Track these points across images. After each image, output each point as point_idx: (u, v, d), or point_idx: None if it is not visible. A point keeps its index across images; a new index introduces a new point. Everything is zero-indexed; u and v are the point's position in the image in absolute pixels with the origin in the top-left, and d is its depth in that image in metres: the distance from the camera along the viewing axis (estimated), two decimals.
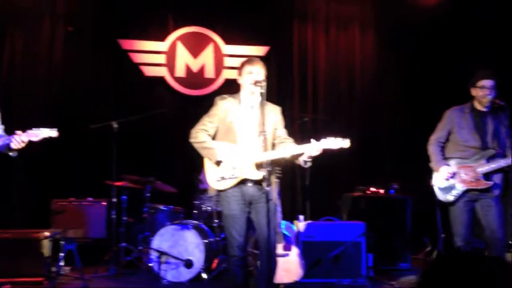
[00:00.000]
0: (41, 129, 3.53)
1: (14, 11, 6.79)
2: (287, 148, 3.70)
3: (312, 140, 3.58)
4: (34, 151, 6.26)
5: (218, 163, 3.67)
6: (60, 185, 6.56)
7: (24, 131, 3.51)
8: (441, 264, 1.49)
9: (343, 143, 3.56)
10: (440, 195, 4.32)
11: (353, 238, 5.15)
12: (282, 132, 3.89)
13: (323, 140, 3.55)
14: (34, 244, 5.11)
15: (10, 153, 3.58)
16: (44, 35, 6.87)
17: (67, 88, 6.91)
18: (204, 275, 5.20)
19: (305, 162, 3.69)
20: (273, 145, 3.84)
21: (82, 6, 6.99)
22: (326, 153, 3.64)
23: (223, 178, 3.67)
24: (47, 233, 5.20)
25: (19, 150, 3.58)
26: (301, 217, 5.39)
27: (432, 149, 4.42)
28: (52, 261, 5.20)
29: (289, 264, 4.80)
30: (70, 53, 6.93)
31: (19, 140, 3.46)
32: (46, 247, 5.15)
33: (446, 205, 4.33)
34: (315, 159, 3.70)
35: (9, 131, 3.70)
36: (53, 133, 3.56)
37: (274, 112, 3.87)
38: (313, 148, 3.55)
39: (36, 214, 6.37)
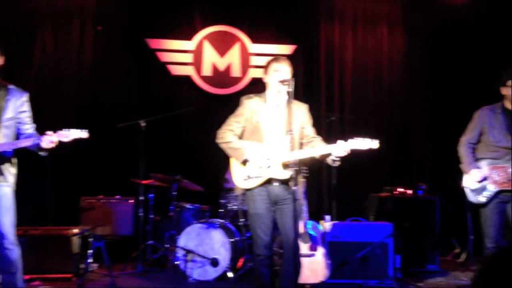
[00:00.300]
0: (72, 130, 3.56)
1: (44, 11, 6.90)
2: (315, 148, 3.67)
3: (339, 140, 3.54)
4: (64, 150, 6.42)
5: (244, 162, 3.67)
6: (89, 183, 6.66)
7: (54, 131, 3.55)
8: (500, 258, 1.45)
9: (372, 144, 3.51)
10: (471, 197, 4.23)
11: (381, 239, 5.09)
12: (310, 130, 3.86)
13: (350, 141, 3.51)
14: (63, 241, 5.22)
15: (40, 153, 3.63)
16: (73, 35, 6.97)
17: (95, 87, 7.00)
18: (230, 274, 5.22)
19: (334, 161, 3.66)
20: (301, 144, 3.81)
21: (110, 6, 7.07)
22: (354, 152, 3.61)
23: (249, 177, 3.66)
24: (76, 230, 5.29)
25: (49, 150, 3.62)
26: (327, 217, 5.36)
27: (463, 150, 4.33)
28: (80, 258, 5.30)
29: (315, 264, 4.77)
30: (99, 52, 7.03)
31: (49, 140, 3.51)
32: (75, 244, 5.25)
33: (477, 206, 4.24)
34: (343, 159, 3.67)
35: (40, 131, 3.77)
36: (83, 134, 3.59)
37: (301, 111, 3.84)
38: (341, 148, 3.51)
39: (65, 211, 6.48)
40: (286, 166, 3.61)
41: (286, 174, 3.60)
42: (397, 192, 6.00)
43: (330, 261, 4.85)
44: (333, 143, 3.63)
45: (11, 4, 6.79)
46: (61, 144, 3.60)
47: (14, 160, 3.73)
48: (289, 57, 4.10)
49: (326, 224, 5.21)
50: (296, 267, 3.57)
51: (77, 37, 6.98)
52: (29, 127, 3.75)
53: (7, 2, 6.78)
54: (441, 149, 7.26)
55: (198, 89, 7.25)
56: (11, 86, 3.72)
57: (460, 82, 7.20)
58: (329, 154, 3.62)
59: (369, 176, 7.05)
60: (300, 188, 3.71)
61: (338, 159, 3.62)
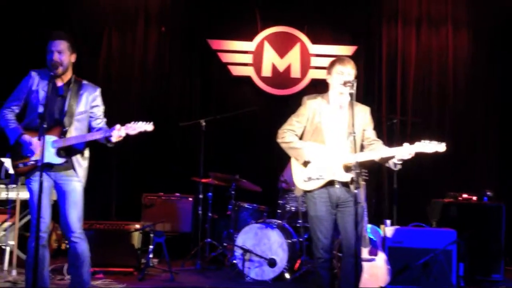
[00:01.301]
0: (138, 123, 3.67)
1: (110, 12, 7.14)
2: (378, 151, 3.60)
3: (405, 143, 3.45)
4: (127, 148, 6.61)
5: (305, 163, 3.64)
6: (151, 180, 6.82)
7: (122, 124, 3.66)
8: None
9: (439, 147, 3.41)
10: None
11: (444, 245, 4.93)
12: (371, 133, 3.79)
13: (417, 144, 3.42)
14: (126, 235, 5.36)
15: (108, 144, 3.76)
16: (138, 35, 7.17)
17: (158, 87, 7.17)
18: (287, 275, 5.20)
19: (395, 164, 3.58)
20: (362, 146, 3.75)
21: (174, 8, 7.22)
22: (416, 156, 3.51)
23: (310, 179, 3.63)
24: (138, 226, 5.43)
25: (116, 142, 3.74)
26: (388, 221, 5.25)
27: None
28: (142, 253, 5.43)
29: (375, 269, 4.68)
30: (162, 53, 7.19)
31: (117, 134, 3.62)
32: (137, 239, 5.38)
33: None
34: (404, 162, 3.58)
35: (108, 126, 3.88)
36: (149, 126, 3.69)
37: (363, 113, 3.78)
38: (406, 151, 3.43)
39: (128, 207, 6.68)
40: (347, 168, 3.56)
41: (348, 176, 3.55)
42: (461, 198, 5.80)
43: (391, 267, 4.75)
44: (394, 146, 3.56)
45: (80, 5, 7.06)
46: (125, 140, 3.70)
47: (86, 154, 3.85)
48: (349, 58, 4.03)
49: (387, 229, 5.10)
50: (356, 271, 3.50)
51: (142, 37, 7.17)
52: (100, 122, 3.88)
53: (77, 3, 7.05)
54: (508, 154, 6.97)
55: (258, 90, 7.29)
56: (85, 82, 3.87)
57: None
58: (391, 157, 3.55)
59: (431, 180, 6.86)
60: (362, 191, 3.64)
61: (400, 162, 3.55)
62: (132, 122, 3.65)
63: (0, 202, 5.39)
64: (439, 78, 7.27)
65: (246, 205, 5.90)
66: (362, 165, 3.57)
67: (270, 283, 5.13)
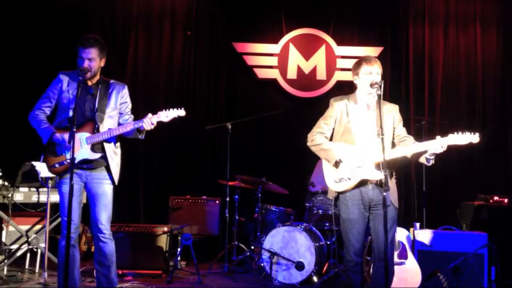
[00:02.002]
0: (170, 109, 3.72)
1: (137, 15, 7.20)
2: (410, 146, 3.56)
3: (437, 136, 3.41)
4: (154, 153, 6.65)
5: (336, 164, 3.60)
6: (178, 183, 6.86)
7: (154, 113, 3.71)
8: None
9: (472, 137, 3.36)
10: None
11: (474, 249, 4.84)
12: (402, 130, 3.76)
13: (450, 135, 3.38)
14: (154, 238, 5.40)
15: (140, 136, 3.84)
16: (164, 38, 7.22)
17: (184, 90, 7.20)
18: (315, 278, 5.17)
19: (428, 160, 3.52)
20: (393, 144, 3.72)
21: (200, 11, 7.26)
22: (446, 156, 3.45)
23: (341, 180, 3.60)
24: (165, 229, 5.47)
25: (147, 132, 3.82)
26: (417, 224, 5.17)
27: None
28: (169, 256, 5.47)
29: (405, 273, 4.62)
30: (188, 56, 7.23)
31: (149, 122, 3.68)
32: (165, 242, 5.42)
33: None
34: (434, 162, 3.53)
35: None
36: (181, 112, 3.75)
37: (393, 111, 3.75)
38: (439, 144, 3.38)
39: (155, 210, 6.74)
40: (379, 167, 3.51)
41: (379, 175, 3.50)
42: (492, 201, 5.69)
43: (420, 270, 4.68)
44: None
45: (107, 7, 7.15)
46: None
47: (118, 150, 3.91)
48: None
49: (416, 232, 5.03)
50: (387, 275, 3.43)
51: (168, 41, 7.22)
52: (128, 118, 3.96)
53: (105, 5, 7.15)
54: None
55: (283, 92, 7.28)
56: (112, 81, 3.95)
57: None
58: (423, 152, 3.50)
59: (461, 183, 6.75)
60: (394, 191, 3.60)
61: (432, 157, 3.49)
62: (164, 110, 3.69)
63: (31, 205, 5.49)
64: (467, 78, 7.15)
65: (273, 208, 5.89)
66: (392, 165, 3.53)
67: (298, 286, 5.10)
